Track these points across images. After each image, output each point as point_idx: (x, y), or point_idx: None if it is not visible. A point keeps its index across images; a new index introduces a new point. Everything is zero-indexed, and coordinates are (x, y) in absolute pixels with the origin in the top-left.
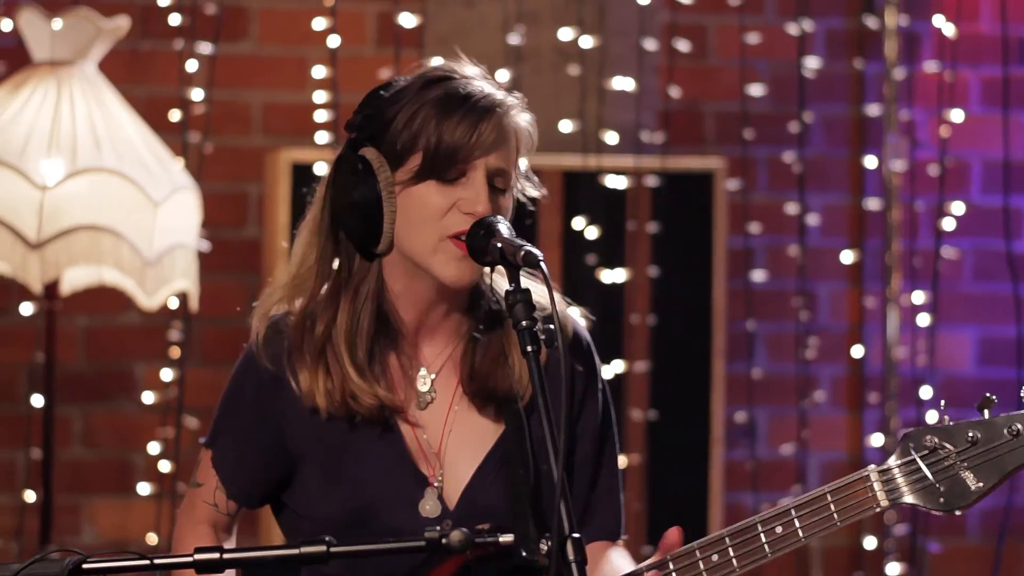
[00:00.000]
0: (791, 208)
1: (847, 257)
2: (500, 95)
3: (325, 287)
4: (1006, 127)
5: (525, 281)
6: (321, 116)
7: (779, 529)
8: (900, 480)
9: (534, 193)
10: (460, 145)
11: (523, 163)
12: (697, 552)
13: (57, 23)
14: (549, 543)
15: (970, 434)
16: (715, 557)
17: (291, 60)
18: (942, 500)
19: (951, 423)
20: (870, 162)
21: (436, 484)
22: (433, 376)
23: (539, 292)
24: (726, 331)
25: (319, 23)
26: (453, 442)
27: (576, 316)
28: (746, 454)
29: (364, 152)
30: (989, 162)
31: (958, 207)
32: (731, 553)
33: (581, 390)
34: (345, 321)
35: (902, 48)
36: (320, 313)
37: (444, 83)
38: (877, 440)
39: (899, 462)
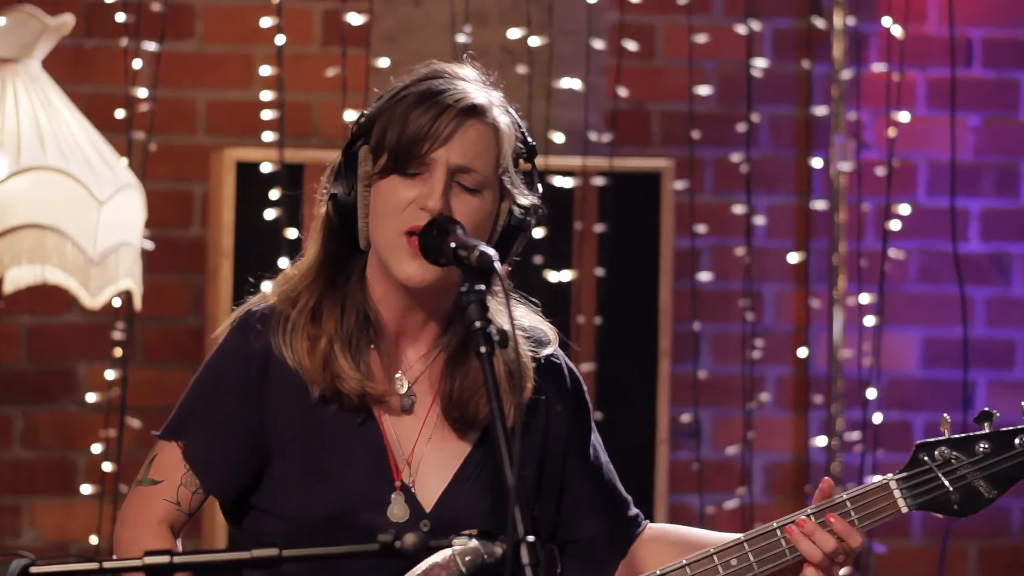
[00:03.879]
0: (738, 209)
1: (793, 258)
2: (474, 94)
3: (322, 280)
4: (953, 129)
5: (517, 307)
6: (267, 115)
7: None
8: (918, 488)
9: (524, 202)
10: (417, 137)
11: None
12: (715, 557)
13: (1, 20)
14: (503, 546)
15: (981, 447)
16: (734, 561)
17: (237, 58)
18: (956, 507)
19: (959, 436)
20: (817, 163)
21: (405, 488)
22: (410, 383)
23: (528, 316)
24: (672, 332)
25: (265, 21)
26: (428, 449)
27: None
28: (691, 455)
29: (359, 149)
30: (934, 163)
31: (904, 208)
32: (751, 558)
33: (572, 408)
34: (335, 314)
35: (849, 49)
36: (320, 305)
37: (428, 81)
38: (821, 441)
39: (915, 471)
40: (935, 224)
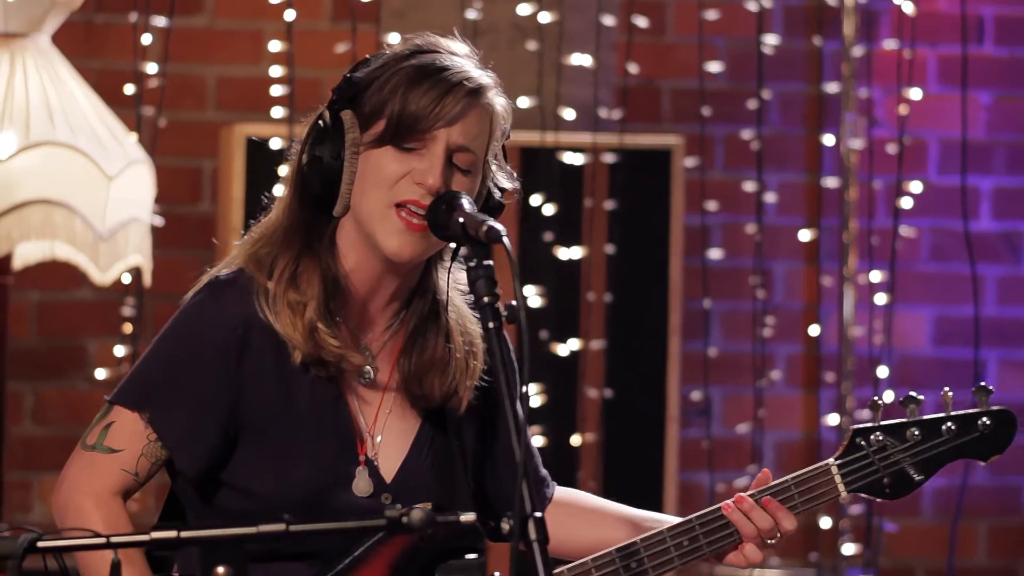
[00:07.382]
0: (748, 186)
1: (804, 236)
2: (477, 75)
3: (298, 244)
4: (964, 106)
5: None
6: (277, 91)
7: None
8: (855, 472)
9: (506, 185)
10: (422, 114)
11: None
12: (668, 539)
13: None
14: (510, 522)
15: (913, 432)
16: (686, 542)
17: (246, 34)
18: (888, 491)
19: (892, 422)
20: (828, 140)
21: (368, 462)
22: (373, 354)
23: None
24: (682, 309)
25: None
26: (388, 421)
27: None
28: (701, 433)
29: (342, 114)
30: (945, 141)
31: (916, 186)
32: (701, 539)
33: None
34: (315, 280)
35: (860, 25)
36: (298, 270)
37: (424, 55)
38: (833, 420)
39: (853, 455)
40: (946, 202)
